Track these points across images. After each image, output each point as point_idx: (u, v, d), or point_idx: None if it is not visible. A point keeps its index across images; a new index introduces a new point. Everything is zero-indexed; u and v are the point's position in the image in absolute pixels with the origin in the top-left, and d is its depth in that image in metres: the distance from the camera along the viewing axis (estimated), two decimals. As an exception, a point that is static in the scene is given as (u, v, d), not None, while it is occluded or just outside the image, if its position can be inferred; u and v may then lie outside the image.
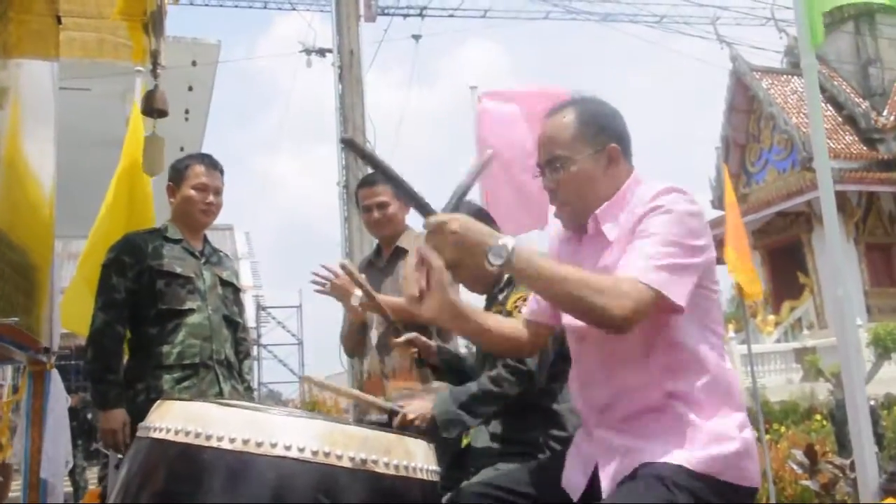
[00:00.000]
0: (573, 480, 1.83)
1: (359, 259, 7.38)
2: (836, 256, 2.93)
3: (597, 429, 1.80)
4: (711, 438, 1.65)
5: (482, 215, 2.59)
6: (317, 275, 3.04)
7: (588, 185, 1.79)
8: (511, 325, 2.03)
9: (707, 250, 1.73)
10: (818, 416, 11.56)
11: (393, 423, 2.28)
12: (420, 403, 2.31)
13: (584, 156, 1.81)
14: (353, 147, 2.32)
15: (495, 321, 1.99)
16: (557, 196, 1.86)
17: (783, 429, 10.71)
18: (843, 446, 8.67)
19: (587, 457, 1.81)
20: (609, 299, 1.58)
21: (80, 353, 3.07)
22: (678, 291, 1.64)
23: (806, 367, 16.04)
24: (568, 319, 1.85)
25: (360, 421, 2.85)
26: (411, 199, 1.78)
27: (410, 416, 2.25)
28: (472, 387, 2.29)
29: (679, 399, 1.69)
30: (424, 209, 1.73)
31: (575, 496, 1.80)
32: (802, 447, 6.80)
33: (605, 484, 1.70)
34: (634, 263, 1.66)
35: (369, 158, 1.92)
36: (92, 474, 9.30)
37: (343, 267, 2.98)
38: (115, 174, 4.07)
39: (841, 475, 6.02)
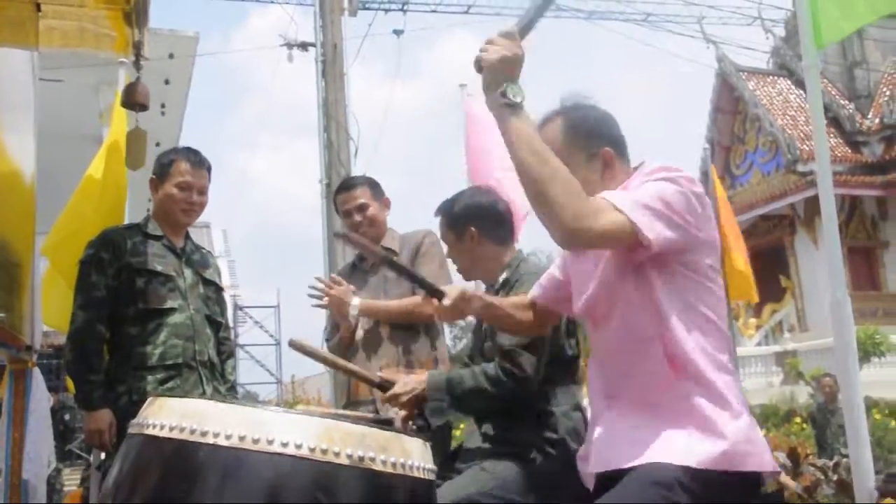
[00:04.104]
0: (582, 470, 1.84)
1: (341, 262, 7.31)
2: (834, 260, 2.96)
3: (602, 417, 1.79)
4: (712, 430, 1.63)
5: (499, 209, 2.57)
6: (313, 288, 3.05)
7: (587, 192, 1.72)
8: (517, 307, 2.12)
9: (701, 228, 1.70)
10: (798, 420, 11.64)
11: (383, 396, 2.35)
12: (410, 378, 2.34)
13: (579, 163, 1.80)
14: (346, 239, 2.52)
15: (510, 308, 2.13)
16: None
17: (764, 432, 10.72)
18: (824, 449, 8.74)
19: (590, 446, 1.81)
20: (571, 201, 1.55)
21: (60, 350, 3.02)
22: (650, 226, 1.59)
23: (786, 370, 16.12)
24: (580, 307, 1.86)
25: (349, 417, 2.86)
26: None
27: (399, 391, 2.30)
28: (468, 381, 2.28)
29: (681, 389, 1.67)
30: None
31: (590, 484, 1.80)
32: (784, 450, 6.81)
33: (597, 470, 1.70)
34: (616, 194, 1.65)
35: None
36: (67, 476, 9.17)
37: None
38: (94, 161, 4.01)
39: (823, 477, 6.03)
